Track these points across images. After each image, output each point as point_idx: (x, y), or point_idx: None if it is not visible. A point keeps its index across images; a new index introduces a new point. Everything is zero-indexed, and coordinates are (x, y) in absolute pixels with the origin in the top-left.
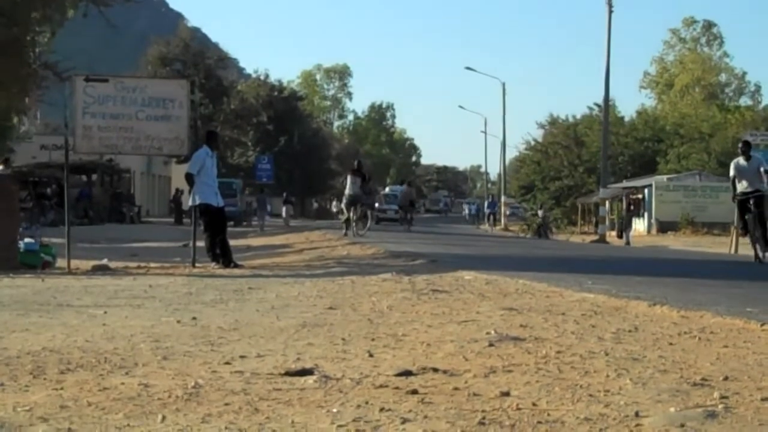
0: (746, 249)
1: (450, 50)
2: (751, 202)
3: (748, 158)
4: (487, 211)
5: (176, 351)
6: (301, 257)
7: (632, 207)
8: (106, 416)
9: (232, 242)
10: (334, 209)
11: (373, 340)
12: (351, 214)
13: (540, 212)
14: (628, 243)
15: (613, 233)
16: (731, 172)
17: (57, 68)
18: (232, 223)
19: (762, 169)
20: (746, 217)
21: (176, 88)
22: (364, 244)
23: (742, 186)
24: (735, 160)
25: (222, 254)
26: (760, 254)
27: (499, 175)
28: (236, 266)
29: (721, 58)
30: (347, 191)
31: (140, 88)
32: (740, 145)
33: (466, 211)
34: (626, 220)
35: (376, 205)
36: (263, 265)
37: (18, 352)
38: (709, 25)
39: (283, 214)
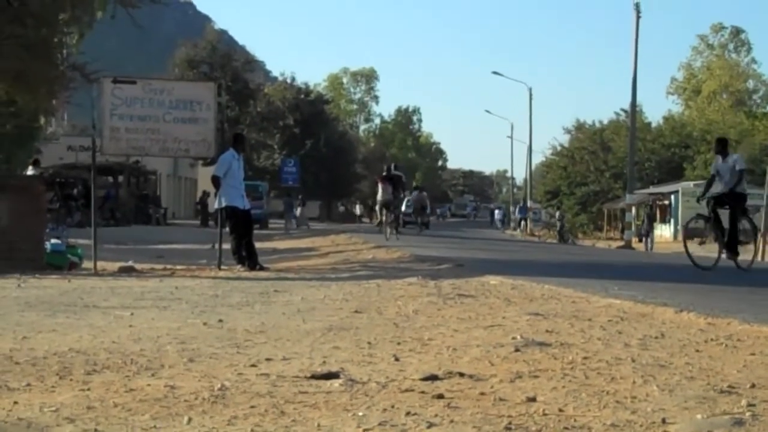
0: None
1: (477, 55)
2: (725, 204)
3: (725, 157)
4: (518, 216)
5: (202, 353)
6: (326, 260)
7: (653, 213)
8: (133, 417)
9: (257, 245)
10: (357, 212)
11: (398, 344)
12: (383, 218)
13: (557, 214)
14: (648, 249)
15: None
16: (712, 171)
17: (85, 70)
18: (257, 225)
19: (737, 168)
20: (715, 216)
21: (203, 90)
22: (390, 247)
23: (718, 187)
24: (715, 161)
25: (248, 257)
26: (720, 256)
27: (525, 180)
28: (262, 269)
29: (749, 64)
30: (380, 197)
31: (168, 90)
32: (716, 144)
33: (497, 217)
34: (647, 227)
35: (402, 209)
36: (289, 268)
37: (45, 352)
38: (737, 32)
39: (297, 214)
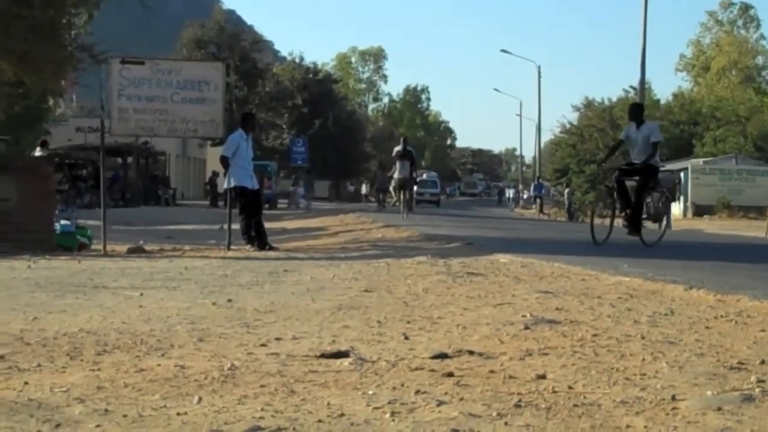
0: None
1: (485, 33)
2: (633, 175)
3: (639, 125)
4: (533, 193)
5: (212, 333)
6: (335, 240)
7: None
8: (143, 397)
9: (267, 225)
10: (363, 191)
11: (408, 322)
12: (401, 196)
13: (566, 192)
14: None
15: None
16: (621, 136)
17: (93, 50)
18: (267, 205)
19: (653, 140)
20: (620, 187)
21: (211, 70)
22: (399, 227)
23: (630, 156)
24: (627, 127)
25: (257, 237)
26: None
27: (534, 158)
28: (271, 248)
29: (758, 40)
30: (397, 175)
31: (176, 70)
32: (630, 109)
33: (509, 195)
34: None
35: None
36: (298, 248)
37: (55, 333)
38: (746, 8)
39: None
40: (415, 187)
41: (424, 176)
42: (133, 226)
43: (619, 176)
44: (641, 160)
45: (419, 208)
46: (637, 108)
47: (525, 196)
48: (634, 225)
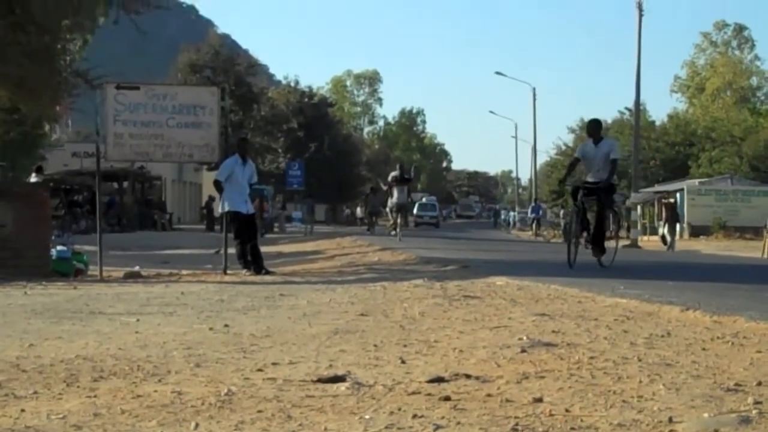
0: None
1: (480, 55)
2: (595, 195)
3: (597, 142)
4: (531, 215)
5: (209, 358)
6: (332, 263)
7: (675, 211)
8: (140, 424)
9: (263, 249)
10: (359, 214)
11: (405, 346)
12: (399, 220)
13: (561, 213)
14: (669, 249)
15: (645, 238)
16: (577, 154)
17: (88, 76)
18: (263, 230)
19: (612, 157)
20: (581, 210)
21: (207, 95)
22: (395, 250)
23: (588, 175)
24: (583, 144)
25: (253, 261)
26: (573, 258)
27: (531, 180)
28: (267, 273)
29: (752, 61)
30: (395, 199)
31: (171, 95)
32: (588, 125)
33: (503, 217)
34: (670, 226)
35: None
36: (295, 272)
37: (51, 359)
38: (740, 29)
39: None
40: (415, 210)
41: (424, 200)
42: (129, 251)
43: (583, 195)
44: (601, 178)
45: (419, 230)
46: (595, 124)
47: (518, 218)
48: (599, 245)
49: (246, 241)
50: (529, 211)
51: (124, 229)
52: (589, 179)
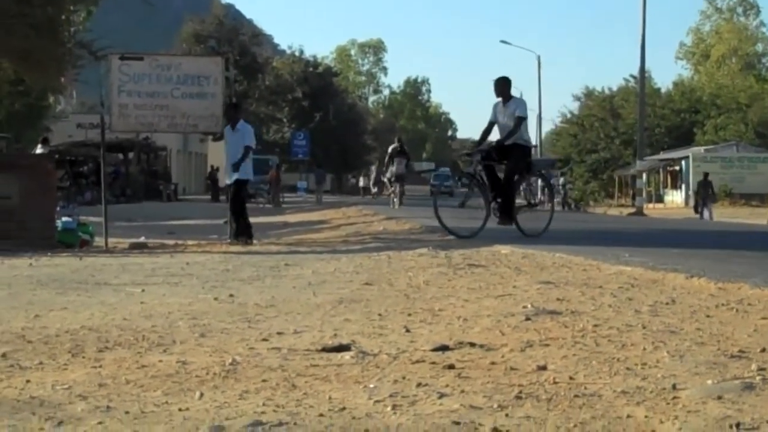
0: None
1: (485, 23)
2: (503, 158)
3: (506, 101)
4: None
5: (213, 328)
6: (337, 233)
7: (707, 180)
8: (145, 394)
9: (269, 219)
10: (361, 184)
11: (409, 315)
12: (397, 189)
13: (561, 181)
14: (703, 218)
15: (651, 205)
16: (491, 118)
17: (92, 47)
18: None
19: (517, 114)
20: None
21: (211, 65)
22: (400, 219)
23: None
24: (495, 102)
25: (240, 230)
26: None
27: (535, 148)
28: (246, 242)
29: (757, 27)
30: (395, 170)
31: (175, 65)
32: (495, 84)
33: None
34: (704, 200)
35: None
36: (300, 241)
37: (57, 330)
38: None
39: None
40: (431, 180)
41: (440, 170)
42: (134, 222)
43: (483, 159)
44: (503, 141)
45: (423, 199)
46: (503, 81)
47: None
48: (506, 214)
49: (231, 211)
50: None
51: (130, 200)
52: (498, 138)
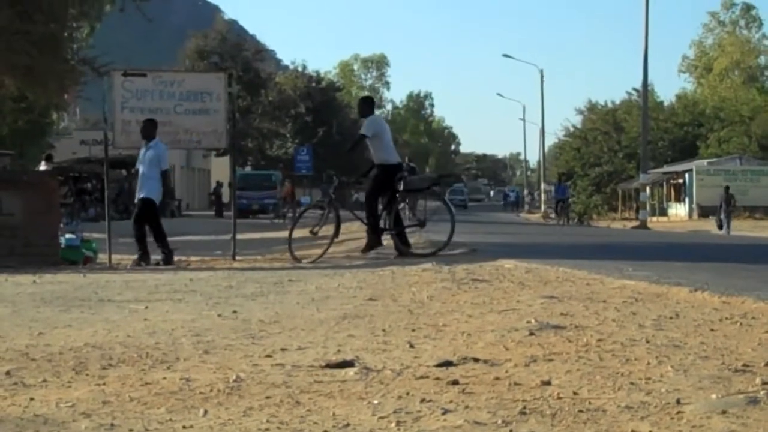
0: None
1: (487, 38)
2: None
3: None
4: (555, 197)
5: (217, 345)
6: (340, 248)
7: (732, 201)
8: (149, 411)
9: (271, 234)
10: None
11: (413, 330)
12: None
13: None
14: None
15: (654, 219)
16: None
17: (95, 63)
18: (272, 214)
19: (360, 132)
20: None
21: (214, 81)
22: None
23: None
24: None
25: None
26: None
27: (539, 162)
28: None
29: (760, 40)
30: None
31: (178, 81)
32: (359, 105)
33: (511, 198)
34: (727, 213)
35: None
36: (303, 257)
37: (60, 348)
38: (747, 8)
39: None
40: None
41: (454, 186)
42: None
43: (339, 187)
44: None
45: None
46: (363, 101)
47: (536, 198)
48: (374, 234)
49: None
50: (553, 190)
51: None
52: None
